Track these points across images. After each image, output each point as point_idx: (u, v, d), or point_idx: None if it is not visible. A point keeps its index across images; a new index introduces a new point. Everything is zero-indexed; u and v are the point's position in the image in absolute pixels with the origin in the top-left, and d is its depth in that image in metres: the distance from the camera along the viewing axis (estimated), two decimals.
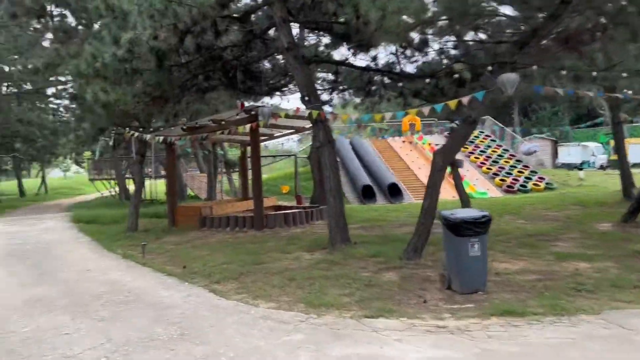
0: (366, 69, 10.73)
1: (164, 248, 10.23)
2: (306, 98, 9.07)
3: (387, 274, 7.06)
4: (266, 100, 13.54)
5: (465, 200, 9.70)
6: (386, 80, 10.96)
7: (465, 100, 7.14)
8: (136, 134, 12.24)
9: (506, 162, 24.69)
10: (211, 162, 18.41)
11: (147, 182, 27.81)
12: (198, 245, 10.49)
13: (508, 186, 22.14)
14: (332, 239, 8.90)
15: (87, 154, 68.24)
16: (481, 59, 9.19)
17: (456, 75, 9.20)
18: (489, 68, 7.60)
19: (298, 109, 9.22)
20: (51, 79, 22.28)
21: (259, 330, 4.88)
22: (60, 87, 26.86)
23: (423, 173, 23.36)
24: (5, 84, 29.54)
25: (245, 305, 5.80)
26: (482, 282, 5.81)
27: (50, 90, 32.80)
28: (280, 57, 11.88)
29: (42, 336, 4.89)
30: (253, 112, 10.33)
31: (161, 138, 12.02)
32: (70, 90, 28.95)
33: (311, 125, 15.52)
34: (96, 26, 13.13)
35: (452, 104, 7.26)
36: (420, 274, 6.84)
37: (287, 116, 10.53)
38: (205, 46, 10.14)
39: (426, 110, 8.19)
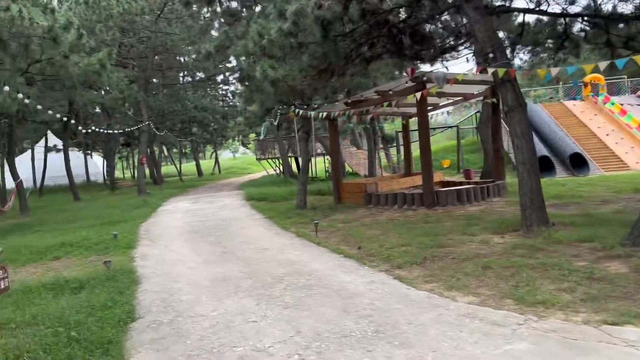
0: (562, 14, 8.93)
1: (334, 226, 9.92)
2: (490, 55, 7.79)
3: (612, 264, 5.66)
4: (433, 66, 12.37)
5: None
6: (586, 27, 9.03)
7: None
8: (300, 111, 12.12)
9: None
10: (371, 137, 17.89)
11: None
12: (367, 223, 9.97)
13: None
14: (526, 219, 7.61)
15: (252, 135, 73.64)
16: None
17: None
18: None
19: (479, 69, 7.99)
20: (220, 65, 23.89)
21: (468, 333, 4.03)
22: (227, 73, 28.78)
23: (612, 140, 19.97)
24: (182, 74, 32.74)
25: (440, 298, 4.99)
26: None
27: (219, 78, 35.44)
28: (450, 16, 10.63)
29: (230, 322, 4.68)
30: (426, 78, 9.35)
31: (324, 114, 11.70)
32: (237, 76, 31.01)
33: (482, 91, 14.02)
34: (258, 9, 13.32)
35: None
36: None
37: (461, 81, 9.33)
38: (371, 11, 9.37)
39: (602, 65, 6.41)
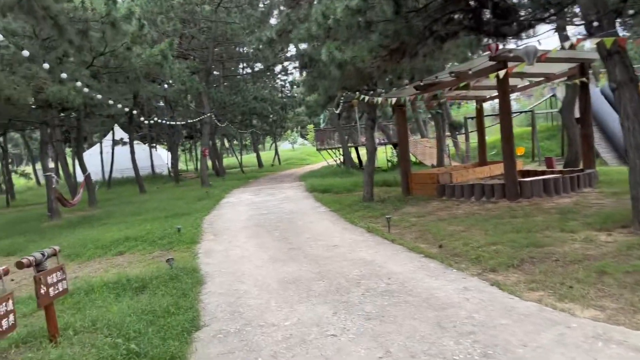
0: None
1: (407, 221, 9.13)
2: (595, 23, 6.68)
3: None
4: (512, 44, 11.19)
5: None
6: None
7: None
8: (366, 97, 11.36)
9: None
10: (440, 124, 16.79)
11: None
12: (444, 218, 9.10)
13: None
14: (639, 214, 6.49)
15: (310, 126, 73.52)
16: None
17: None
18: None
19: (579, 39, 6.91)
20: (279, 54, 23.48)
21: None
22: (286, 63, 28.39)
23: None
24: (241, 65, 32.73)
25: (555, 312, 4.13)
26: None
27: (277, 69, 35.24)
28: None
29: (305, 335, 4.07)
30: (512, 55, 8.30)
31: (393, 100, 10.87)
32: (296, 65, 30.62)
33: (564, 71, 12.63)
34: None
35: None
36: None
37: (546, 59, 8.18)
38: None
39: None
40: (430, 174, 12.27)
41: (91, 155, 33.29)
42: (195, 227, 10.31)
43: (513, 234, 6.95)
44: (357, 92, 11.84)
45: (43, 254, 4.50)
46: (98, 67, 14.01)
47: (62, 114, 17.56)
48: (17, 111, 14.90)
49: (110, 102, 15.33)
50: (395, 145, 26.47)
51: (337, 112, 18.72)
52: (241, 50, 23.47)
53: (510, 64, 9.45)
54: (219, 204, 14.95)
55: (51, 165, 14.37)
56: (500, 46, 10.09)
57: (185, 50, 22.08)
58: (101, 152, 29.80)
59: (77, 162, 18.52)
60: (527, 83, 13.26)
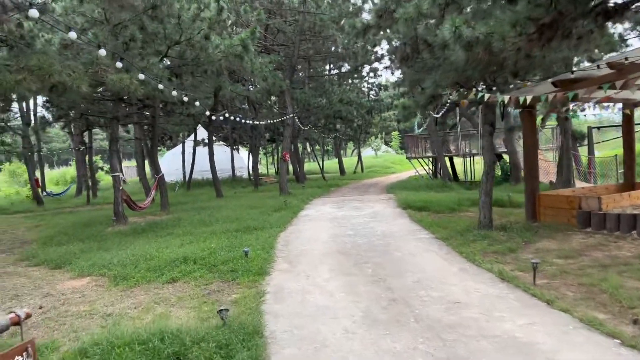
0: None
1: (549, 262, 6.56)
2: None
3: None
4: None
5: None
6: None
7: None
8: (486, 95, 8.89)
9: None
10: (568, 132, 13.66)
11: (457, 160, 24.74)
12: (607, 262, 6.41)
13: None
14: None
15: (395, 133, 70.74)
16: None
17: None
18: None
19: None
20: (371, 50, 21.33)
21: None
22: (376, 62, 26.22)
23: None
24: (328, 66, 30.99)
25: None
26: None
27: (365, 71, 33.22)
28: None
29: None
30: None
31: (528, 98, 8.29)
32: (386, 65, 28.31)
33: None
34: None
35: None
36: None
37: None
38: None
39: None
40: (567, 196, 9.45)
41: (174, 155, 33.14)
42: (267, 250, 8.38)
43: None
44: (474, 89, 9.41)
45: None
46: (173, 58, 12.66)
47: (139, 111, 16.67)
48: (87, 105, 14.03)
49: (185, 98, 14.04)
50: (498, 156, 23.31)
51: (437, 115, 16.20)
52: (329, 45, 21.50)
53: None
54: (297, 217, 13.06)
55: (127, 165, 13.29)
56: None
57: (270, 45, 20.54)
58: (183, 153, 29.33)
59: (153, 161, 17.50)
60: None
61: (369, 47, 18.54)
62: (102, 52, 7.80)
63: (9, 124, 21.52)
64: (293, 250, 8.57)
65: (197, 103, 15.27)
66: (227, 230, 10.87)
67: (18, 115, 24.52)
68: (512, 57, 6.95)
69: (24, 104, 23.82)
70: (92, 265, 8.00)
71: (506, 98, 8.77)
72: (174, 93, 11.87)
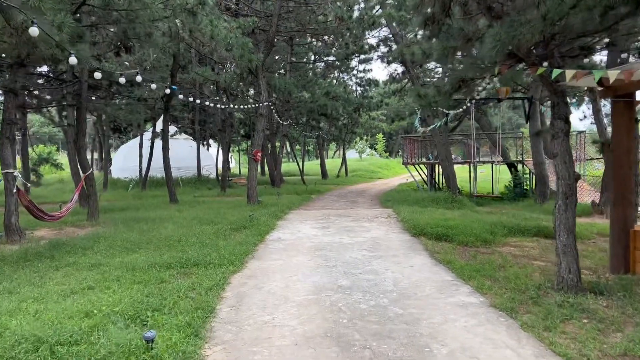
0: None
1: None
2: None
3: None
4: None
5: None
6: None
7: None
8: (555, 71, 5.32)
9: None
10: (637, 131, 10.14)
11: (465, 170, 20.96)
12: None
13: None
14: None
15: (380, 136, 67.33)
16: None
17: None
18: None
19: None
20: (369, 31, 17.56)
21: None
22: (372, 49, 22.66)
23: None
24: (313, 56, 27.28)
25: None
26: None
27: (354, 62, 29.88)
28: None
29: None
30: None
31: (622, 73, 4.66)
32: (380, 54, 24.69)
33: None
34: None
35: None
36: None
37: None
38: None
39: None
40: None
41: (131, 149, 28.91)
42: (195, 329, 4.52)
43: None
44: (529, 65, 5.84)
45: None
46: (94, 7, 8.71)
47: (59, 86, 12.61)
48: None
49: (120, 75, 10.15)
50: (512, 166, 19.83)
51: (451, 113, 12.52)
52: (317, 18, 17.48)
53: None
54: (265, 243, 9.25)
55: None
56: None
57: (241, 9, 16.40)
58: (141, 146, 25.15)
59: (76, 156, 13.40)
60: None
61: (366, 21, 14.71)
62: None
63: None
64: (245, 326, 4.73)
65: (138, 78, 11.37)
66: (152, 265, 7.01)
67: None
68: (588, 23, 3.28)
69: None
70: None
71: (568, 74, 5.20)
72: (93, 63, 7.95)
